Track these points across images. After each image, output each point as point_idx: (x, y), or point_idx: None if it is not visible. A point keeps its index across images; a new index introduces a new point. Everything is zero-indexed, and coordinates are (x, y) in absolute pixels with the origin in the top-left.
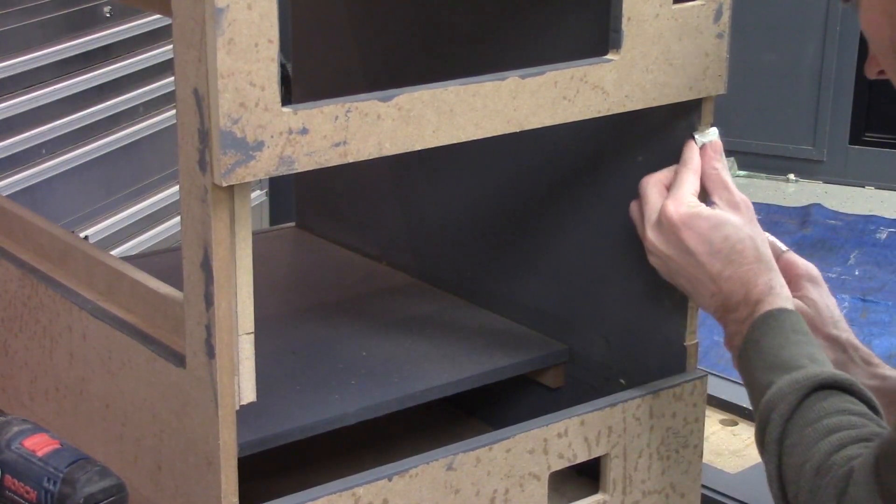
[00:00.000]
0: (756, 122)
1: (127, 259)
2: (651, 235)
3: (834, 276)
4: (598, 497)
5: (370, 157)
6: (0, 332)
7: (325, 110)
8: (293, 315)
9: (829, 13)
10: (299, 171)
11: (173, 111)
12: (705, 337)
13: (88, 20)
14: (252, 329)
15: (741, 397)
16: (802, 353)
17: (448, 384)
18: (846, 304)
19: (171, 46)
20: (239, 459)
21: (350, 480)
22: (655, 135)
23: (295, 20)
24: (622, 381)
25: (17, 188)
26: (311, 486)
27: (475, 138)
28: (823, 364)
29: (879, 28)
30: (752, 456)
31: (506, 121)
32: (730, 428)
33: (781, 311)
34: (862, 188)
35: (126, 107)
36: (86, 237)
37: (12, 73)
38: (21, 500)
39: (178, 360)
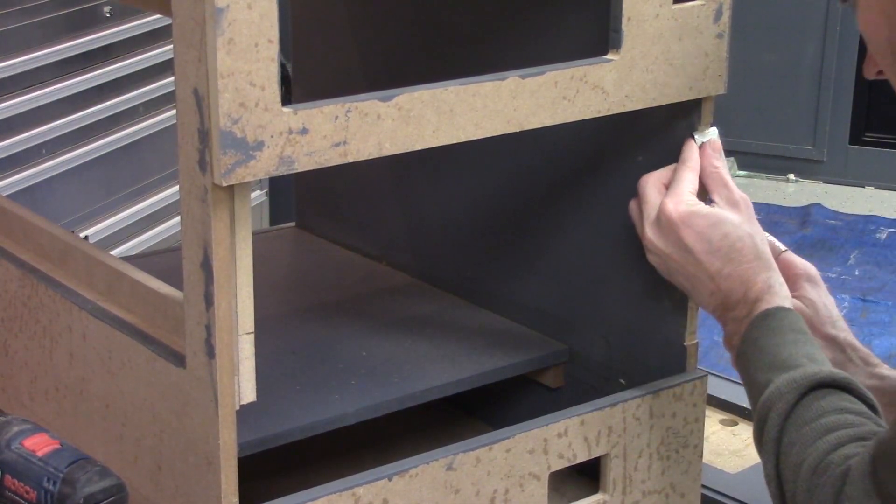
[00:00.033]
0: (756, 122)
1: (127, 259)
2: (650, 234)
3: (834, 276)
4: (598, 497)
5: (370, 157)
6: (0, 332)
7: (325, 110)
8: (293, 315)
9: (829, 13)
10: (299, 171)
11: (173, 111)
12: (705, 337)
13: (88, 20)
14: (252, 329)
15: (741, 397)
16: (801, 352)
17: (448, 384)
18: (846, 304)
19: (171, 46)
20: (239, 459)
21: (350, 480)
22: (655, 135)
23: (295, 20)
24: (622, 381)
25: (17, 188)
26: (311, 486)
27: (475, 138)
28: (822, 363)
29: (877, 28)
30: (752, 456)
31: (506, 121)
32: (730, 428)
33: (780, 310)
34: (862, 188)
35: (126, 107)
36: (86, 237)
37: (12, 73)
38: (21, 500)
39: (178, 360)
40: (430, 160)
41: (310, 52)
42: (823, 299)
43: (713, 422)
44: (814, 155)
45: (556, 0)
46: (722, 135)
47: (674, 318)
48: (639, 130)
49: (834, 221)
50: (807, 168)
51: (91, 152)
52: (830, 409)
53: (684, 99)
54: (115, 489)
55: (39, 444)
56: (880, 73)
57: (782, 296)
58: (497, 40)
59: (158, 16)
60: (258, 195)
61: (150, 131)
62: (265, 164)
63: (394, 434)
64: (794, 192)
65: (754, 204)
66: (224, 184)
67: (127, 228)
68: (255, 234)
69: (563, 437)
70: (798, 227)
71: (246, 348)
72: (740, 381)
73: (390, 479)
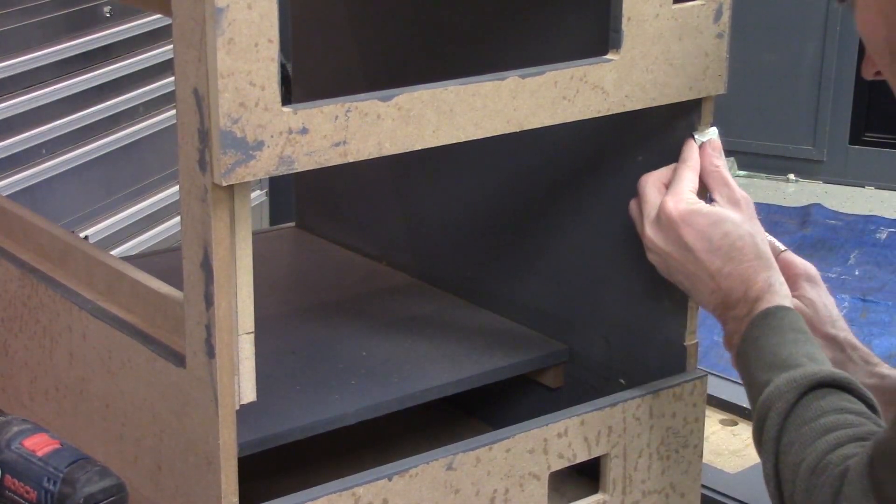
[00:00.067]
0: (756, 122)
1: (127, 259)
2: (650, 232)
3: (834, 276)
4: (598, 497)
5: (370, 157)
6: (0, 332)
7: (325, 110)
8: (293, 315)
9: (829, 13)
10: (299, 170)
11: (173, 111)
12: (705, 337)
13: (88, 20)
14: (252, 329)
15: (741, 397)
16: (801, 351)
17: (448, 384)
18: (846, 304)
19: (171, 46)
20: (239, 459)
21: (350, 480)
22: (655, 135)
23: (295, 20)
24: (622, 381)
25: (17, 188)
26: (311, 486)
27: (475, 138)
28: (822, 362)
29: (875, 28)
30: (752, 456)
31: (506, 121)
32: (730, 428)
33: (780, 309)
34: (862, 188)
35: (126, 107)
36: (86, 237)
37: (12, 73)
38: (21, 500)
39: (178, 360)
40: (430, 160)
41: (310, 52)
42: (823, 299)
43: (713, 422)
44: (814, 155)
45: (556, 0)
46: (722, 135)
47: (674, 318)
48: (639, 130)
49: (834, 221)
50: (807, 168)
51: (91, 152)
52: (830, 409)
53: (684, 99)
54: (115, 489)
55: (39, 444)
56: (878, 73)
57: (783, 295)
58: (497, 40)
59: (158, 16)
60: (258, 195)
61: (150, 131)
62: (265, 164)
63: (394, 434)
64: (794, 192)
65: (754, 204)
66: (224, 183)
67: (127, 228)
68: (255, 234)
69: (563, 437)
70: (798, 227)
71: (246, 348)
72: (740, 381)
73: (390, 479)
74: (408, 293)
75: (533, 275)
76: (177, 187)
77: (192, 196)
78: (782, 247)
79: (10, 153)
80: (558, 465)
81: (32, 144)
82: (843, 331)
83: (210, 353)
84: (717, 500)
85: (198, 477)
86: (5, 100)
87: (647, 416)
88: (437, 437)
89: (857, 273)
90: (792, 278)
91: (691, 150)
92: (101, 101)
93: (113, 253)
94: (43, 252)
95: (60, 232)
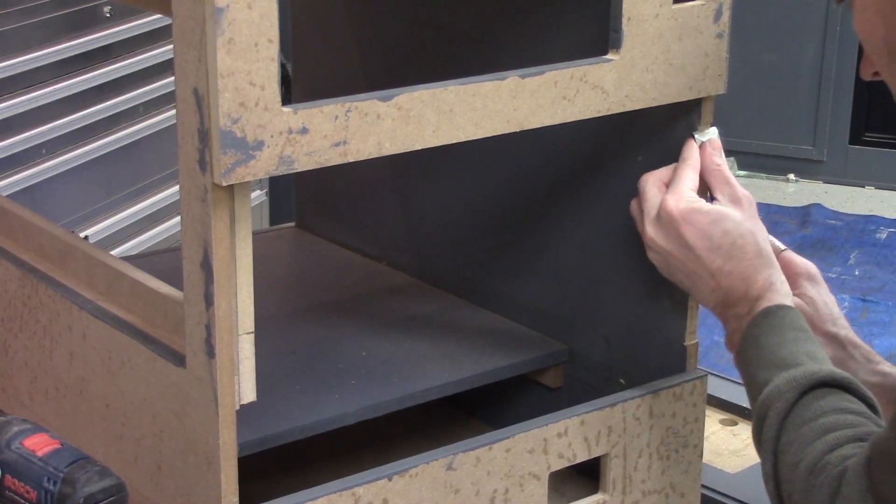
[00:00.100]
0: (756, 122)
1: (127, 259)
2: (650, 231)
3: (834, 276)
4: (598, 497)
5: (370, 157)
6: (0, 332)
7: (325, 110)
8: (293, 315)
9: (829, 13)
10: (299, 170)
11: (173, 111)
12: (705, 337)
13: (88, 20)
14: (252, 329)
15: (741, 397)
16: (801, 350)
17: (448, 384)
18: (846, 304)
19: (171, 46)
20: (239, 459)
21: (350, 480)
22: (655, 135)
23: (295, 20)
24: (622, 381)
25: (17, 188)
26: (311, 486)
27: (475, 138)
28: (822, 362)
29: (873, 29)
30: (752, 456)
31: (506, 121)
32: (730, 428)
33: (780, 308)
34: (862, 188)
35: (126, 107)
36: (86, 237)
37: (12, 73)
38: (21, 500)
39: (178, 359)
40: (430, 160)
41: (310, 52)
42: (824, 297)
43: (713, 422)
44: (814, 155)
45: (556, 0)
46: (722, 135)
47: (674, 317)
48: (639, 130)
49: (834, 221)
50: (807, 168)
51: (91, 152)
52: (830, 409)
53: (684, 99)
54: (115, 489)
55: (39, 444)
56: (876, 73)
57: (783, 293)
58: (497, 40)
59: (158, 16)
60: (258, 195)
61: (150, 131)
62: (265, 164)
63: (394, 434)
64: (794, 192)
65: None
66: (224, 183)
67: (127, 228)
68: (255, 234)
69: (563, 436)
70: (798, 227)
71: (246, 348)
72: (740, 381)
73: (390, 479)
74: (408, 293)
75: (533, 275)
76: (177, 187)
77: (192, 196)
78: (783, 246)
79: (10, 153)
80: (558, 465)
81: (32, 144)
82: (845, 329)
83: (210, 353)
84: (717, 500)
85: (198, 477)
86: (5, 100)
87: (647, 416)
88: (437, 437)
89: (857, 273)
90: (793, 277)
91: (691, 150)
92: (101, 101)
93: (113, 253)
94: (43, 252)
95: (60, 232)
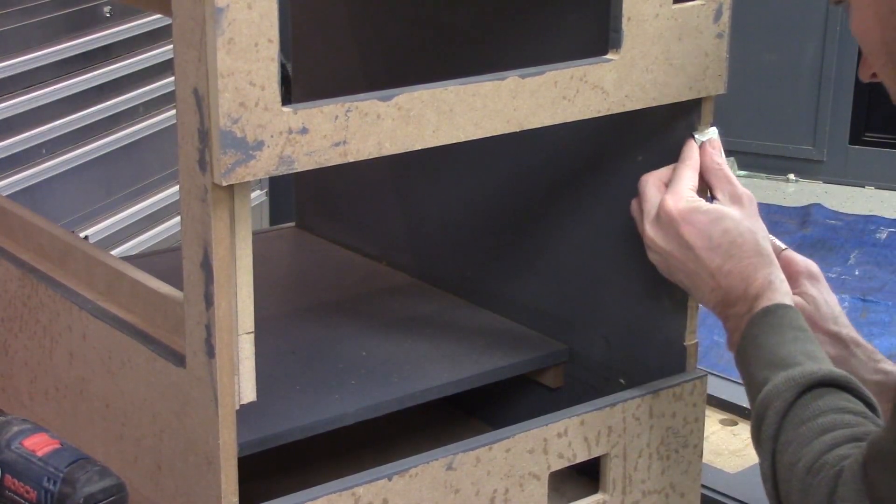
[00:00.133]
0: (756, 122)
1: (127, 259)
2: (650, 231)
3: (834, 276)
4: (598, 497)
5: (370, 157)
6: (0, 332)
7: (325, 110)
8: (293, 315)
9: (829, 13)
10: (299, 170)
11: (173, 111)
12: (705, 337)
13: (88, 20)
14: (252, 329)
15: (741, 397)
16: (800, 349)
17: (448, 384)
18: (846, 303)
19: (171, 46)
20: (239, 459)
21: (350, 480)
22: (655, 135)
23: (295, 20)
24: (622, 381)
25: (17, 188)
26: (311, 486)
27: (475, 138)
28: (821, 361)
29: (870, 30)
30: (752, 456)
31: (506, 121)
32: (729, 428)
33: (780, 307)
34: (862, 188)
35: (126, 107)
36: (86, 237)
37: (12, 73)
38: (21, 500)
39: (178, 359)
40: (430, 160)
41: (310, 52)
42: (825, 296)
43: (713, 422)
44: (814, 155)
45: (556, 0)
46: (722, 135)
47: (674, 317)
48: (639, 130)
49: (834, 221)
50: (807, 168)
51: (91, 152)
52: (828, 409)
53: (684, 99)
54: (115, 489)
55: (39, 444)
56: (875, 75)
57: (783, 292)
58: (497, 40)
59: (158, 16)
60: (258, 195)
61: (150, 131)
62: (265, 164)
63: (394, 434)
64: (794, 192)
65: None
66: (224, 183)
67: (127, 228)
68: (255, 234)
69: (562, 436)
70: (798, 227)
71: (246, 348)
72: (740, 381)
73: (390, 479)
74: (408, 293)
75: (533, 275)
76: (177, 187)
77: (192, 196)
78: (783, 245)
79: (10, 153)
80: (558, 464)
81: (32, 144)
82: (846, 327)
83: (210, 353)
84: (717, 500)
85: (198, 477)
86: (5, 100)
87: (646, 415)
88: (437, 437)
89: (857, 273)
90: (793, 276)
91: (691, 150)
92: (101, 101)
93: (113, 253)
94: (43, 252)
95: (60, 232)
